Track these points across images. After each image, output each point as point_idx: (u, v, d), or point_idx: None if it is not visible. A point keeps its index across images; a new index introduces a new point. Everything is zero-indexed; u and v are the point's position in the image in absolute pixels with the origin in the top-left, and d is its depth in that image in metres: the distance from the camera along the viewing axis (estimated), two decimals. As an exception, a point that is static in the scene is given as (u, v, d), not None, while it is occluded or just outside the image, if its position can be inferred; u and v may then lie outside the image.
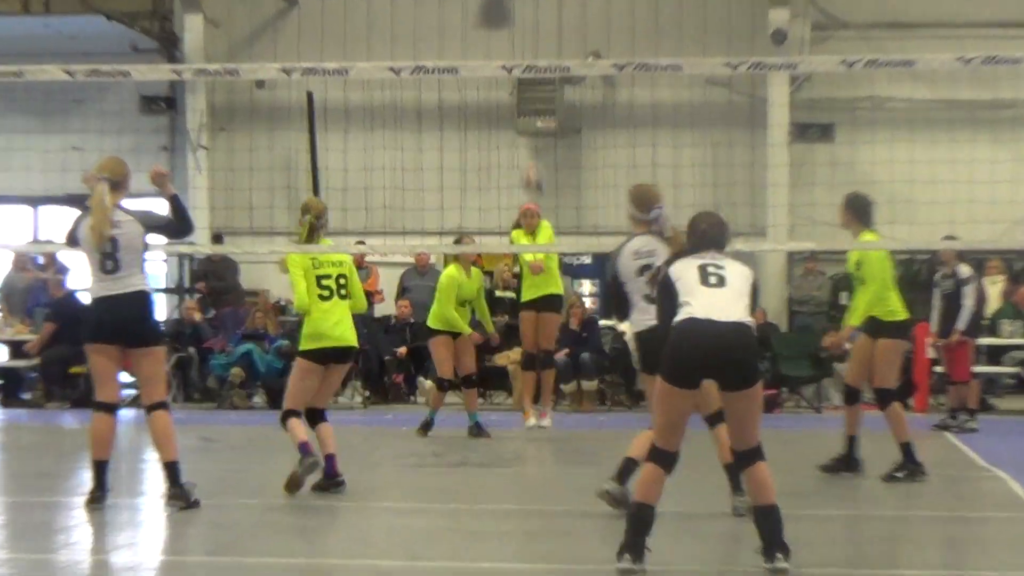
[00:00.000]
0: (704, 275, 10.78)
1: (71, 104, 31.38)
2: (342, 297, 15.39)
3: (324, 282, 15.38)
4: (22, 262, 29.34)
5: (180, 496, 13.36)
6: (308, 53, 29.92)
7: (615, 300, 13.67)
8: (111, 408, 13.56)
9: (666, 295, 10.93)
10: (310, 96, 30.50)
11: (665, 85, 30.14)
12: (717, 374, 10.56)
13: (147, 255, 13.77)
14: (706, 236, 11.06)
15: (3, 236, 32.65)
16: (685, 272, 10.88)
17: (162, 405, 13.68)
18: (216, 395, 27.76)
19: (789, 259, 29.96)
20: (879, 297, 16.62)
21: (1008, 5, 29.52)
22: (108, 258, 13.34)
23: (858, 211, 16.82)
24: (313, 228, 15.61)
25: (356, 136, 30.56)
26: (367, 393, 27.52)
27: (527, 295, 22.10)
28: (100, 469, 13.42)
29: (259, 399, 27.87)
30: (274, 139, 31.29)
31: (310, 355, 15.26)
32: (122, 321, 13.46)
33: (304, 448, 14.85)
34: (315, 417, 15.38)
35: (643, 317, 12.52)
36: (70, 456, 18.75)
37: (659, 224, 12.85)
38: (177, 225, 13.96)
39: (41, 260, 28.55)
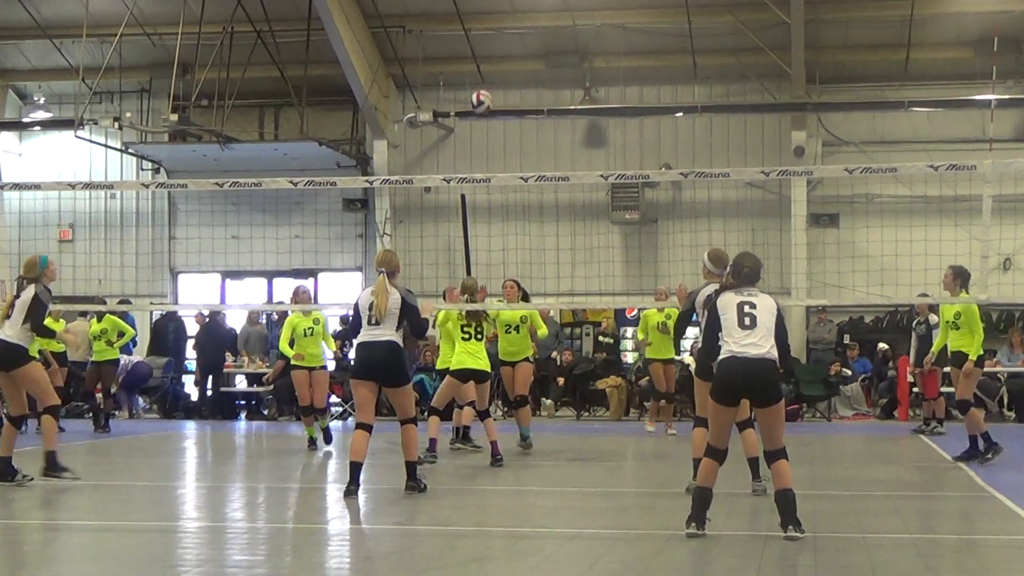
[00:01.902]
0: (741, 316, 10.67)
1: (293, 205, 31.54)
2: (478, 339, 17.33)
3: (465, 328, 17.28)
4: (254, 318, 29.55)
5: (415, 487, 13.57)
6: (461, 167, 30.21)
7: (680, 325, 14.14)
8: (367, 427, 13.50)
9: (712, 319, 10.94)
10: (463, 198, 30.36)
11: (717, 187, 30.02)
12: (751, 395, 10.75)
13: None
14: (746, 275, 10.98)
15: (245, 300, 33.02)
16: (728, 308, 10.79)
17: (412, 421, 13.58)
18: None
19: (807, 311, 29.70)
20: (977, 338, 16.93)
21: (964, 127, 29.19)
22: (373, 316, 13.49)
23: (960, 276, 17.13)
24: (469, 299, 17.70)
25: (497, 227, 30.61)
26: (505, 408, 27.50)
27: (654, 354, 21.89)
28: (356, 469, 13.41)
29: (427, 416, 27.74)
30: (438, 229, 31.17)
31: (454, 374, 17.22)
32: (376, 362, 13.50)
33: (431, 444, 16.78)
34: (483, 416, 17.58)
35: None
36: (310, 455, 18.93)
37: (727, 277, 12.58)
38: (414, 329, 13.97)
39: (275, 317, 28.40)
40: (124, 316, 25.79)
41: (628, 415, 27.92)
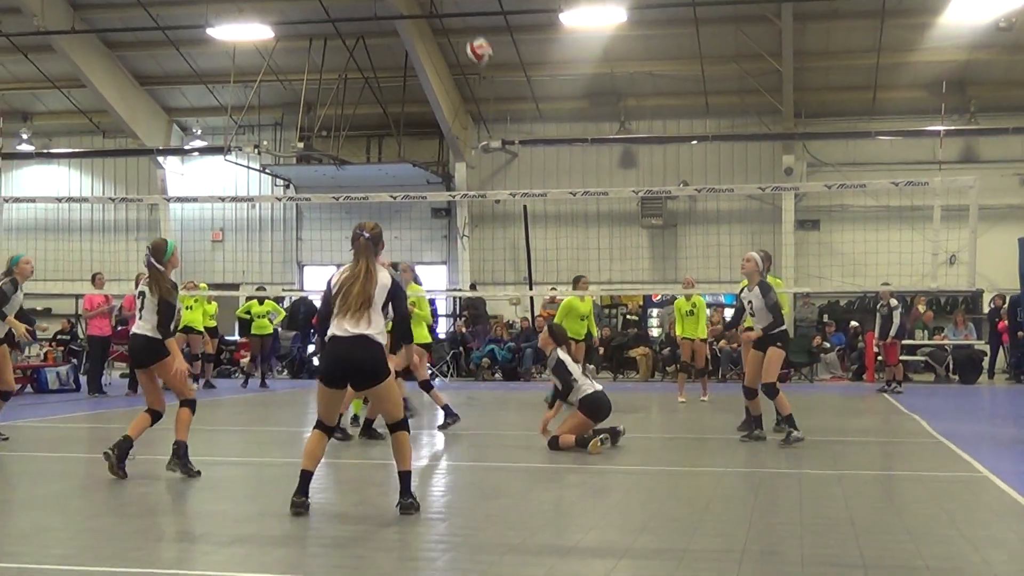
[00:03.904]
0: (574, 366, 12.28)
1: (393, 213, 31.18)
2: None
3: None
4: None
5: (452, 421, 13.80)
6: (523, 184, 30.28)
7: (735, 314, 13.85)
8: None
9: (566, 371, 12.21)
10: (525, 208, 30.29)
11: (724, 200, 29.88)
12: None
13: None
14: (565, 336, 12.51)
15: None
16: (571, 363, 12.23)
17: (427, 385, 13.91)
18: (475, 373, 27.70)
19: (794, 297, 29.27)
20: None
21: (919, 152, 28.86)
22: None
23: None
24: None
25: (552, 231, 30.32)
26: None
27: (683, 332, 19.75)
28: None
29: (498, 376, 27.75)
30: (505, 233, 31.02)
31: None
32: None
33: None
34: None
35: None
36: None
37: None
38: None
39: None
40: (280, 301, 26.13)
41: (654, 377, 27.68)
